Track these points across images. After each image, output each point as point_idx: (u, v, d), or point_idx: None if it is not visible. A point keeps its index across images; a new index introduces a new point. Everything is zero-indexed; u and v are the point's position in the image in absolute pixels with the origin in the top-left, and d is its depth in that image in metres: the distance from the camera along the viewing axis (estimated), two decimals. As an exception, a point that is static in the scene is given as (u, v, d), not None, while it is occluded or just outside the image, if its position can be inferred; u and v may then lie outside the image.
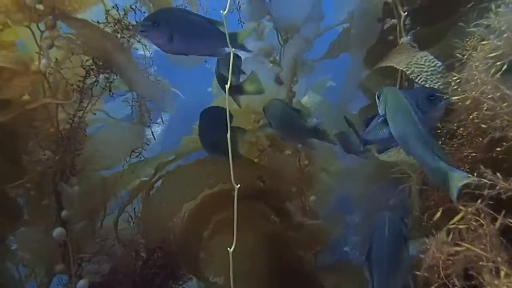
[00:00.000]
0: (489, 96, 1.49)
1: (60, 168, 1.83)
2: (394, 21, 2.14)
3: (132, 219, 2.11)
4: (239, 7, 2.20)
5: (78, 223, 1.98)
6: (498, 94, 1.48)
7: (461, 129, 1.66)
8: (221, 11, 1.61)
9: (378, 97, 1.64)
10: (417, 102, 1.56)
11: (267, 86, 2.20)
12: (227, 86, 1.58)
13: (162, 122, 2.40)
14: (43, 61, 1.77)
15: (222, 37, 1.69)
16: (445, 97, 1.61)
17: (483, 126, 1.53)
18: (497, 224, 1.41)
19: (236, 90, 1.85)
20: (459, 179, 1.33)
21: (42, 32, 1.81)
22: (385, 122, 1.59)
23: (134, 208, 2.12)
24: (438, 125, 1.72)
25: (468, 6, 1.98)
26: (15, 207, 1.96)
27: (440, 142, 1.74)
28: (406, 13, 2.10)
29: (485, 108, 1.50)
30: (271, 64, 2.29)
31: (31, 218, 1.97)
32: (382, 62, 2.04)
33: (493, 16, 1.58)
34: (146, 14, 1.95)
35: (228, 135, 1.56)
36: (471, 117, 1.59)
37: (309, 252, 2.29)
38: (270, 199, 2.20)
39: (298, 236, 2.22)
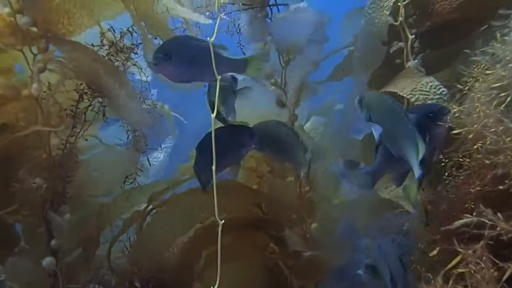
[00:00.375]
0: (492, 130, 1.39)
1: (50, 196, 1.76)
2: (402, 44, 2.07)
3: (126, 248, 2.05)
4: (239, 30, 2.15)
5: (71, 252, 1.93)
6: (501, 127, 1.38)
7: (467, 159, 1.56)
8: (208, 38, 1.55)
9: (359, 102, 1.64)
10: (417, 120, 1.52)
11: (268, 109, 2.14)
12: (213, 115, 1.53)
13: (161, 148, 2.35)
14: (34, 85, 1.72)
15: (225, 63, 1.66)
16: (445, 111, 1.56)
17: (486, 161, 1.43)
18: (506, 275, 1.31)
19: (225, 122, 1.83)
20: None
21: (34, 55, 1.76)
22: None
23: (129, 237, 2.05)
24: (441, 157, 1.63)
25: (482, 29, 1.90)
26: (11, 235, 1.91)
27: (447, 174, 1.65)
28: (413, 36, 2.03)
29: (488, 142, 1.40)
30: (273, 87, 2.22)
31: (28, 245, 1.92)
32: (387, 86, 1.97)
33: (499, 45, 1.48)
34: (140, 37, 1.91)
35: (214, 167, 1.51)
36: (475, 146, 1.49)
37: (310, 281, 2.20)
38: (269, 226, 2.13)
39: (298, 265, 2.14)
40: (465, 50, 1.66)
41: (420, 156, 1.39)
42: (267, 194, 2.16)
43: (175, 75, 1.65)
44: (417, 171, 1.42)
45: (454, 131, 1.48)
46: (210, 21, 1.70)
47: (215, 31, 1.57)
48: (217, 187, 1.87)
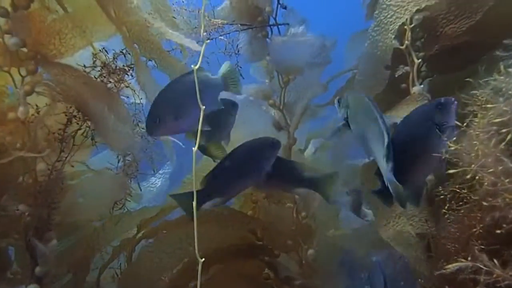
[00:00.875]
0: (490, 170, 1.28)
1: (34, 223, 1.70)
2: (408, 68, 1.98)
3: (117, 275, 1.99)
4: (238, 51, 2.08)
5: (59, 279, 1.88)
6: (500, 167, 1.27)
7: (465, 191, 1.45)
8: (192, 66, 1.50)
9: (338, 102, 1.67)
10: (428, 117, 1.50)
11: (266, 132, 2.07)
12: (194, 149, 1.47)
13: (153, 172, 2.29)
14: (21, 108, 1.67)
15: (211, 85, 1.64)
16: (452, 101, 1.48)
17: (484, 203, 1.33)
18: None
19: (202, 150, 1.81)
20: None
21: (23, 77, 1.70)
22: (346, 126, 1.65)
23: (120, 264, 2.00)
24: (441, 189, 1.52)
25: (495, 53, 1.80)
26: (2, 258, 1.86)
27: (446, 207, 1.54)
28: (420, 60, 1.94)
29: (486, 183, 1.29)
30: (271, 108, 2.15)
31: (20, 269, 1.87)
32: (388, 113, 1.89)
33: (502, 77, 1.37)
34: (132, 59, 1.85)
35: (194, 203, 1.51)
36: (476, 178, 1.37)
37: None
38: (264, 253, 2.07)
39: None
40: (468, 79, 1.56)
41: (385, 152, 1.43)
42: (262, 220, 2.08)
43: (178, 130, 1.65)
44: (384, 168, 1.45)
45: (451, 171, 1.38)
46: (200, 48, 1.63)
47: (200, 57, 1.52)
48: (209, 215, 1.81)
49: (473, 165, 1.30)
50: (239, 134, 1.92)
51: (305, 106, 2.15)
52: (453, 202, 1.50)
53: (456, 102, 1.48)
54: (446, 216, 1.55)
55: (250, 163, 1.72)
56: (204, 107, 1.51)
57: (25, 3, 1.68)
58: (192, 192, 1.64)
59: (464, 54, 1.97)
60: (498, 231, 1.30)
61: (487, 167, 1.29)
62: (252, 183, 1.80)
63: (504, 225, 1.28)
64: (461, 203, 1.48)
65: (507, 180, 1.26)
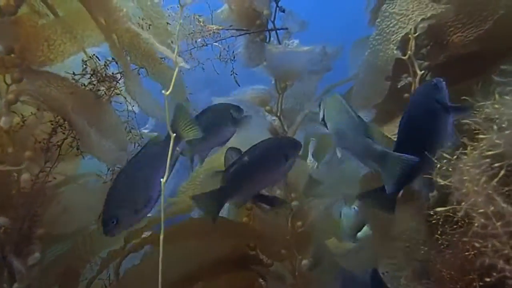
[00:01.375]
0: (481, 211, 1.18)
1: (14, 238, 1.65)
2: (411, 79, 1.88)
3: (106, 287, 1.95)
4: (234, 57, 2.01)
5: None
6: (492, 208, 1.17)
7: (458, 214, 1.35)
8: (163, 91, 1.42)
9: (319, 106, 1.72)
10: (432, 96, 1.48)
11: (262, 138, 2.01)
12: (163, 181, 1.39)
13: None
14: (3, 118, 1.61)
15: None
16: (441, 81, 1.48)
17: (476, 244, 1.23)
18: None
19: None
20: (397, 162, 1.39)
21: (8, 86, 1.64)
22: (323, 125, 1.69)
23: (109, 275, 1.95)
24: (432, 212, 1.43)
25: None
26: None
27: (439, 232, 1.46)
28: (423, 71, 1.84)
29: (476, 224, 1.20)
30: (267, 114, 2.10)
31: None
32: (387, 125, 1.82)
33: (497, 106, 1.26)
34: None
35: (161, 236, 1.39)
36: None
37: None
38: (256, 262, 2.00)
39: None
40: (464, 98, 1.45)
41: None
42: (255, 229, 2.02)
43: (141, 219, 1.53)
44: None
45: (439, 209, 1.28)
46: (188, 67, 1.56)
47: (172, 84, 1.43)
48: (201, 224, 1.75)
49: (463, 203, 1.21)
50: (234, 140, 1.89)
51: (305, 114, 2.09)
52: (446, 226, 1.42)
53: (444, 82, 1.48)
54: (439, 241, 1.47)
55: (270, 162, 1.68)
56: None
57: (12, 9, 1.63)
58: (213, 192, 1.60)
59: (472, 64, 1.86)
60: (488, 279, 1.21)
61: (477, 207, 1.19)
62: (271, 183, 1.79)
63: (494, 274, 1.19)
64: (455, 226, 1.39)
65: (498, 223, 1.16)
